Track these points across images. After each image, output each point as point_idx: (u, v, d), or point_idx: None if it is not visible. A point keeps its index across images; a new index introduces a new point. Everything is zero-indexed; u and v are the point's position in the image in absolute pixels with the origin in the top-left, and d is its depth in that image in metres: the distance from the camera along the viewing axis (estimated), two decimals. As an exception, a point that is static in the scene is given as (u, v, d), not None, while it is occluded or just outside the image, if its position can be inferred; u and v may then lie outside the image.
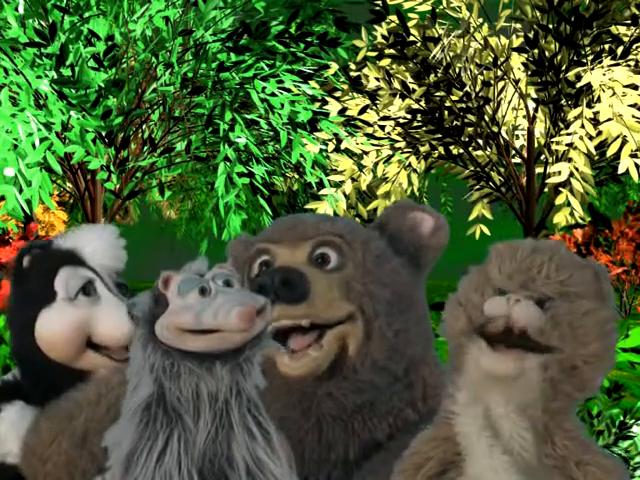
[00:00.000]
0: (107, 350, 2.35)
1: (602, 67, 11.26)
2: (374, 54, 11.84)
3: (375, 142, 11.90)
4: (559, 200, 11.23)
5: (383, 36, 11.84)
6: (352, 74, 11.76)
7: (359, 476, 2.25)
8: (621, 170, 11.01)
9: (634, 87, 11.09)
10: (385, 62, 11.87)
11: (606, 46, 11.46)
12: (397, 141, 12.04)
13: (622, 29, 11.58)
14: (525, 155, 12.30)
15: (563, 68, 11.61)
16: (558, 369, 1.90)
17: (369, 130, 11.77)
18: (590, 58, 11.34)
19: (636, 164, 10.83)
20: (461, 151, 12.09)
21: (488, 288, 1.96)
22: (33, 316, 2.33)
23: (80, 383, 2.32)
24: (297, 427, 2.22)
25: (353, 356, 2.25)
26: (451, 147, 12.07)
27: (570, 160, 11.14)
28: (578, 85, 11.32)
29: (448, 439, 1.99)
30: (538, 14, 11.70)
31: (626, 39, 11.48)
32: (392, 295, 2.28)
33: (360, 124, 11.36)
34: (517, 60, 12.06)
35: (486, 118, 11.95)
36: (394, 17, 11.71)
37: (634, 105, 11.00)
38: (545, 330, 1.89)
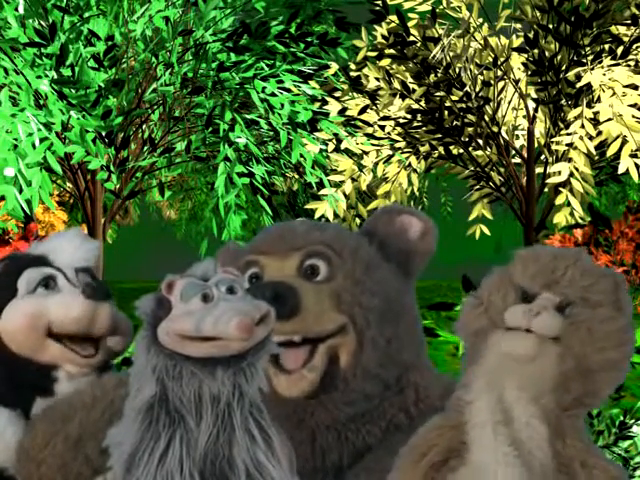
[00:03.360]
0: (69, 341, 2.40)
1: (602, 67, 11.26)
2: (374, 54, 11.83)
3: (375, 142, 11.90)
4: (559, 200, 11.22)
5: (383, 36, 11.83)
6: (352, 74, 11.76)
7: (352, 475, 2.26)
8: (621, 170, 11.00)
9: (634, 87, 11.08)
10: (385, 62, 11.86)
11: (606, 46, 11.45)
12: (397, 141, 12.03)
13: (622, 29, 11.57)
14: (525, 155, 12.30)
15: (563, 68, 11.61)
16: (574, 365, 1.92)
17: (369, 130, 11.76)
18: (590, 58, 11.34)
19: (636, 164, 10.83)
20: (461, 151, 12.09)
21: (510, 289, 1.97)
22: None
23: (48, 380, 2.37)
24: (291, 437, 2.22)
25: (345, 367, 2.25)
26: (451, 147, 12.06)
27: (570, 160, 11.13)
28: (578, 85, 11.31)
29: (456, 427, 2.00)
30: (538, 14, 11.70)
31: (626, 39, 11.48)
32: (382, 303, 2.27)
33: (360, 124, 11.35)
34: (517, 60, 12.06)
35: (486, 118, 11.95)
36: (394, 17, 11.70)
37: (634, 105, 10.99)
38: (564, 335, 1.90)
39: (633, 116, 10.89)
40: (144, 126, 10.33)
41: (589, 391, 1.95)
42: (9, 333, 2.39)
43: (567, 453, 1.93)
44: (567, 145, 11.17)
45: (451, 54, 11.81)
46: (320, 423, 2.26)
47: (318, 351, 2.23)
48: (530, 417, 1.93)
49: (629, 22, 11.49)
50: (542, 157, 12.22)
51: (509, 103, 12.18)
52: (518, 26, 12.15)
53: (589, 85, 11.13)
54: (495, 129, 12.05)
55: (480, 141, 12.04)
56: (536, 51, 11.56)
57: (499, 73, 11.96)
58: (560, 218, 11.26)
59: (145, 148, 10.22)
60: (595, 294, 1.95)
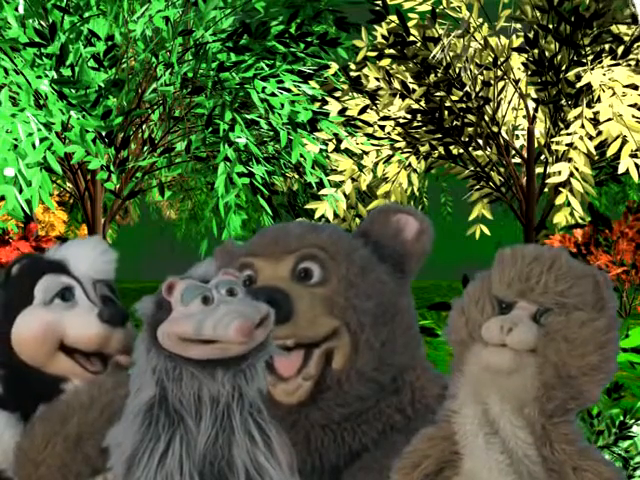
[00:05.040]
0: (79, 356, 2.38)
1: (602, 67, 11.26)
2: (374, 54, 11.84)
3: (375, 142, 11.90)
4: (559, 200, 11.23)
5: (383, 36, 11.84)
6: (352, 74, 11.77)
7: (349, 475, 2.25)
8: (621, 170, 11.01)
9: (634, 87, 11.09)
10: (385, 62, 11.87)
11: (606, 46, 11.46)
12: (397, 141, 12.04)
13: (622, 28, 11.59)
14: (525, 155, 12.31)
15: (563, 68, 11.61)
16: (553, 374, 1.91)
17: (369, 130, 11.77)
18: (590, 58, 11.34)
19: (636, 164, 10.84)
20: (461, 151, 12.09)
21: (487, 300, 1.97)
22: (11, 320, 2.38)
23: (55, 391, 2.35)
24: (287, 439, 2.21)
25: (339, 369, 2.24)
26: (451, 147, 12.07)
27: (570, 160, 11.14)
28: (578, 85, 11.32)
29: (447, 438, 2.00)
30: (538, 14, 11.71)
31: (626, 39, 11.49)
32: (377, 306, 2.26)
33: (360, 124, 11.36)
34: (517, 60, 12.07)
35: (486, 118, 11.95)
36: (394, 17, 11.71)
37: (634, 105, 11.00)
38: (540, 347, 1.90)
39: (633, 116, 10.90)
40: (144, 126, 10.34)
41: (573, 396, 1.94)
42: (22, 342, 2.37)
43: (557, 458, 1.93)
44: (567, 145, 11.17)
45: (451, 54, 11.82)
46: (314, 424, 2.26)
47: (313, 357, 2.22)
48: (515, 427, 1.93)
49: (629, 21, 11.50)
50: (542, 157, 12.22)
51: (509, 103, 12.19)
52: (518, 26, 12.16)
53: (589, 85, 11.14)
54: (495, 129, 12.05)
55: (480, 141, 12.04)
56: (536, 51, 11.57)
57: (499, 73, 11.97)
58: (560, 218, 11.27)
59: (145, 148, 10.22)
60: (571, 298, 1.93)
